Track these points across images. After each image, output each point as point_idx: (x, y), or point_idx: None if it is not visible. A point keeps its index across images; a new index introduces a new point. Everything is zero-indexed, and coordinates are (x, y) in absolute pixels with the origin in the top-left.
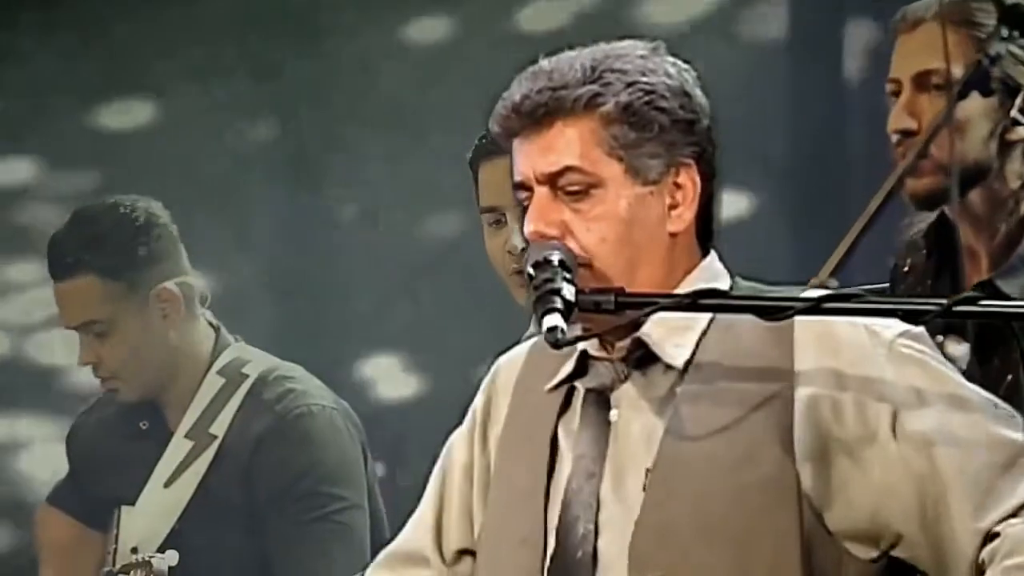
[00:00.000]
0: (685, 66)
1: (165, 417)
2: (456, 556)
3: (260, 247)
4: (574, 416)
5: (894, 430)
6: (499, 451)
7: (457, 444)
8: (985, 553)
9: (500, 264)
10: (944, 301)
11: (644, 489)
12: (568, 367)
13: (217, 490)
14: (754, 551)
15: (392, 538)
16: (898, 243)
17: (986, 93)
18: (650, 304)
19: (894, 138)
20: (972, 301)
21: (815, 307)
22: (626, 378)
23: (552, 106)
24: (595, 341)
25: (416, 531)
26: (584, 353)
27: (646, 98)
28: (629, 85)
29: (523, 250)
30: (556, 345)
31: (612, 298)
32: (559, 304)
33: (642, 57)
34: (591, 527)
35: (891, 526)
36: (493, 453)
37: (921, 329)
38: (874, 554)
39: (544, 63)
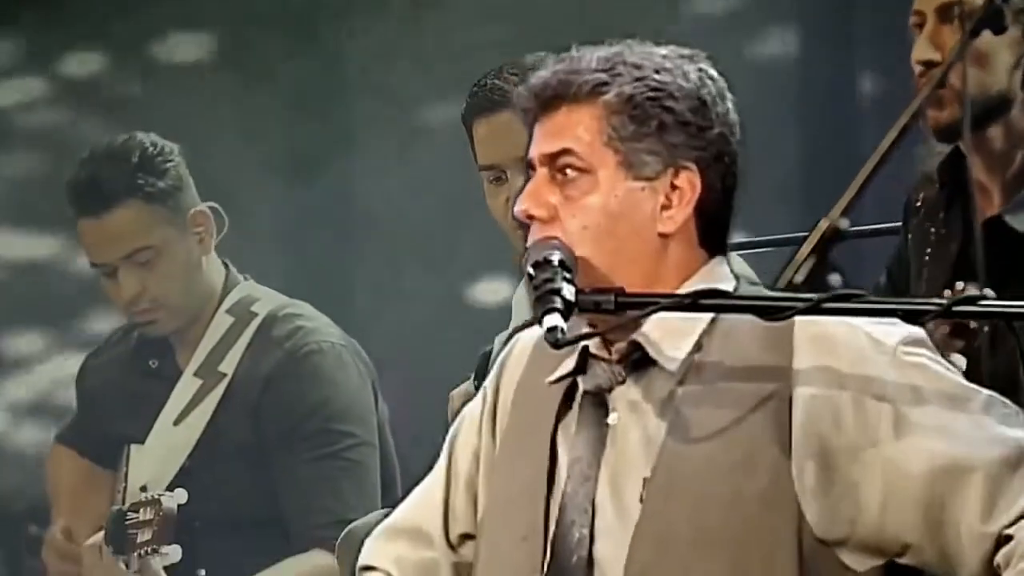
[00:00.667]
0: (715, 76)
1: (174, 356)
2: (460, 540)
3: (261, 246)
4: (574, 416)
5: (895, 433)
6: (503, 442)
7: (467, 425)
8: (1000, 557)
9: (503, 219)
10: (944, 301)
11: (641, 500)
12: (570, 363)
13: (226, 428)
14: (751, 559)
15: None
16: (915, 175)
17: (998, 31)
18: (651, 304)
19: (917, 69)
20: (972, 301)
21: (815, 307)
22: (623, 380)
23: (560, 90)
24: (597, 339)
25: (423, 508)
26: (586, 350)
27: (651, 94)
28: (637, 79)
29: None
30: (556, 345)
31: (612, 298)
32: (559, 304)
33: (663, 57)
34: (586, 532)
35: (898, 537)
36: (499, 442)
37: (922, 333)
38: (875, 563)
39: (573, 51)
